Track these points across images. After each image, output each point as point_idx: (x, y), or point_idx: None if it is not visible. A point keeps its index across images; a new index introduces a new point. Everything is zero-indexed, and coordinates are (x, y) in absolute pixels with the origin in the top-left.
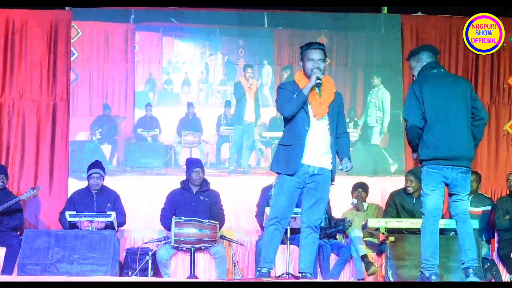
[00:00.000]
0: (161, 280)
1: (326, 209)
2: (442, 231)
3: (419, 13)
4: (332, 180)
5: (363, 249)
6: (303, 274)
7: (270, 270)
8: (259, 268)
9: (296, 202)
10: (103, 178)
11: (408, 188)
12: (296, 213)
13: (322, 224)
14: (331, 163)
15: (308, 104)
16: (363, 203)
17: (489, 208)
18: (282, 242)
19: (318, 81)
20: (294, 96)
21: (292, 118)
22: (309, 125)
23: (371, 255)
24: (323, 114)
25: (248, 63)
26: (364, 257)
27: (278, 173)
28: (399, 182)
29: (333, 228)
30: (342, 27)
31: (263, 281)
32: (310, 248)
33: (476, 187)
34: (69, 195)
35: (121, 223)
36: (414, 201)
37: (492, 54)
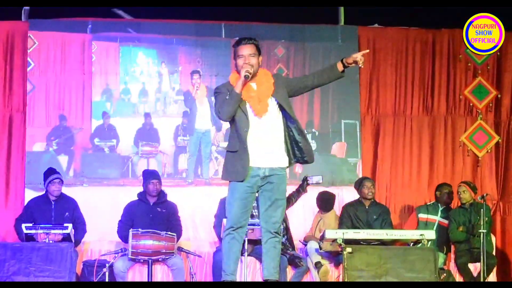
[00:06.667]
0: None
1: (287, 231)
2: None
3: (376, 25)
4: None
5: (318, 259)
6: (268, 281)
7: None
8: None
9: (250, 208)
10: (62, 183)
11: (369, 194)
12: (253, 224)
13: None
14: (285, 159)
15: (246, 103)
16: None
17: (445, 219)
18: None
19: (246, 73)
20: (227, 97)
21: (235, 122)
22: (248, 126)
23: (328, 265)
24: (265, 110)
25: (195, 70)
26: (317, 263)
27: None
28: (356, 192)
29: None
30: (299, 38)
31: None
32: (271, 253)
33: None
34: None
35: (83, 233)
36: (367, 209)
37: (448, 66)
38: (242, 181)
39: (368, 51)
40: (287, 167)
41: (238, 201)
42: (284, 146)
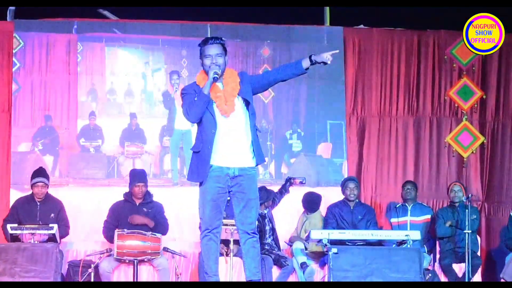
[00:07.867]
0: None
1: (273, 232)
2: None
3: (361, 26)
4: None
5: (304, 260)
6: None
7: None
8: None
9: (223, 207)
10: (48, 186)
11: (350, 195)
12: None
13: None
14: (253, 158)
15: (213, 103)
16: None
17: (429, 216)
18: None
19: (215, 75)
20: (195, 99)
21: (201, 123)
22: (215, 127)
23: (313, 266)
24: (231, 110)
25: (174, 70)
26: (303, 264)
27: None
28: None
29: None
30: (285, 39)
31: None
32: (251, 253)
33: (415, 195)
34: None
35: (65, 234)
36: (352, 209)
37: (434, 66)
38: (202, 182)
39: (338, 51)
40: (256, 166)
41: (211, 202)
42: (252, 145)
